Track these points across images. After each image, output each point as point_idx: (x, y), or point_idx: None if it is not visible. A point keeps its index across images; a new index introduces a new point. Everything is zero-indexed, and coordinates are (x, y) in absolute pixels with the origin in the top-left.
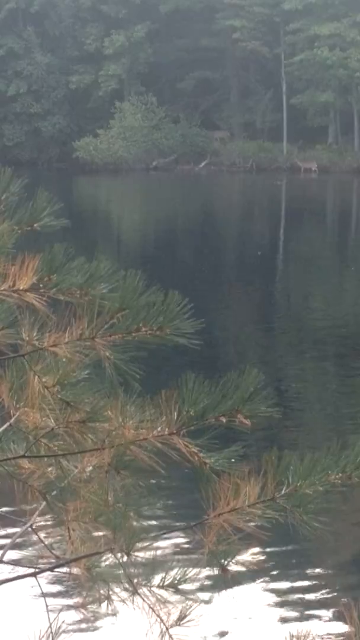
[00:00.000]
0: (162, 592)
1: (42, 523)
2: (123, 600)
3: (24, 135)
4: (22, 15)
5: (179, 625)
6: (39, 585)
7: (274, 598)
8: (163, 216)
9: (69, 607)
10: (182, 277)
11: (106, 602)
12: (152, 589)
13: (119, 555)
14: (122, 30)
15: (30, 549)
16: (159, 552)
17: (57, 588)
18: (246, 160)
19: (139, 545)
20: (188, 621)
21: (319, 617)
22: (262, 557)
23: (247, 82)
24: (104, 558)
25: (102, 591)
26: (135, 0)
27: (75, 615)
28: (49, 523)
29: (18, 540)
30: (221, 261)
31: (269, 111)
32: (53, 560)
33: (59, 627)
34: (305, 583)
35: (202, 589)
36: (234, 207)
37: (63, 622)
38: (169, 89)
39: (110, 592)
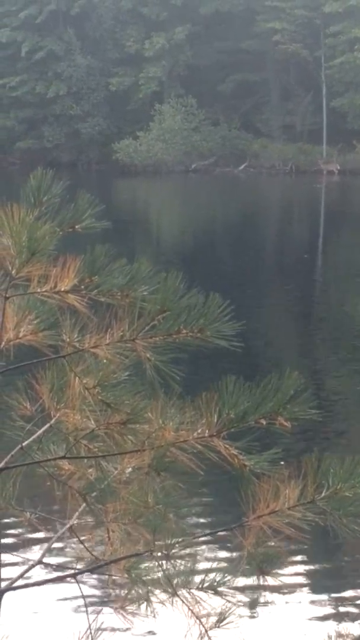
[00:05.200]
0: (201, 594)
1: (82, 524)
2: (162, 602)
3: (63, 137)
4: (63, 17)
5: (218, 627)
6: (79, 586)
7: (313, 599)
8: (203, 218)
9: (109, 608)
10: (223, 279)
11: (145, 603)
12: (192, 591)
13: (158, 557)
14: (162, 33)
15: (69, 550)
16: (198, 554)
17: (96, 589)
18: (285, 163)
19: (179, 547)
20: (227, 623)
21: (358, 618)
22: (301, 559)
23: (287, 85)
24: (143, 560)
25: (141, 592)
26: (175, 3)
27: (114, 617)
28: (88, 524)
29: (58, 541)
30: (263, 264)
31: (309, 114)
32: (93, 562)
33: (98, 628)
34: (345, 585)
35: (241, 591)
36: (273, 209)
37: (102, 623)
38: (209, 92)
39: (150, 594)
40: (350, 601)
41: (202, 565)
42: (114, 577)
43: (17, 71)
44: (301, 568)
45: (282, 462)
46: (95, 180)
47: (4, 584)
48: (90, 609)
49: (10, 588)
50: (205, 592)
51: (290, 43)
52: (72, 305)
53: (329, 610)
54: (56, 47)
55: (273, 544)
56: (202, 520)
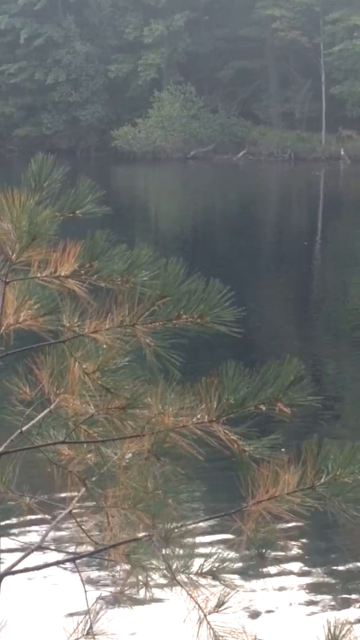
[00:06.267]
0: (200, 579)
1: (81, 509)
2: (161, 587)
3: (62, 124)
4: (62, 4)
5: (217, 612)
6: (78, 571)
7: (312, 585)
8: (202, 206)
9: (108, 592)
10: (222, 266)
11: (144, 588)
12: (191, 576)
13: (157, 542)
14: (161, 20)
15: (69, 534)
16: (197, 539)
17: (96, 574)
18: (284, 150)
19: (178, 532)
20: (226, 608)
21: (356, 605)
22: (300, 545)
23: (286, 72)
24: (142, 544)
25: (140, 577)
26: None
27: (113, 601)
28: (88, 509)
29: (57, 526)
30: (262, 251)
31: (308, 101)
32: (92, 546)
33: (97, 613)
34: (343, 571)
35: (240, 576)
36: (272, 196)
37: (101, 607)
38: (208, 79)
39: (149, 579)
40: (350, 585)
41: (201, 550)
42: (113, 562)
43: (16, 58)
44: (300, 553)
45: (282, 449)
46: (94, 167)
47: (3, 568)
48: (89, 593)
49: (9, 572)
50: (204, 577)
51: (289, 30)
52: (72, 290)
53: (328, 595)
54: (55, 33)
55: (272, 529)
56: (201, 505)
